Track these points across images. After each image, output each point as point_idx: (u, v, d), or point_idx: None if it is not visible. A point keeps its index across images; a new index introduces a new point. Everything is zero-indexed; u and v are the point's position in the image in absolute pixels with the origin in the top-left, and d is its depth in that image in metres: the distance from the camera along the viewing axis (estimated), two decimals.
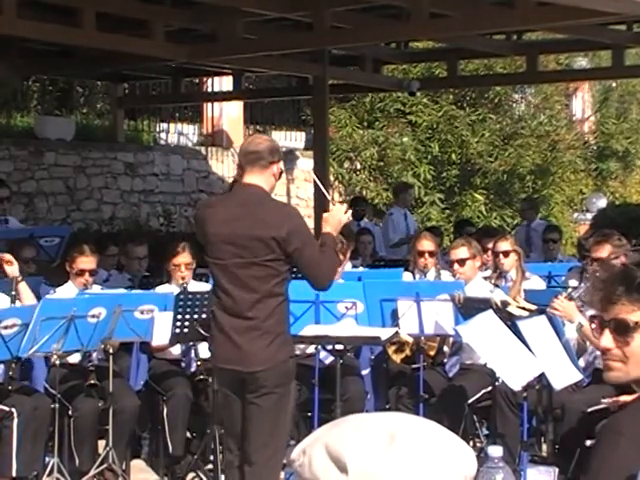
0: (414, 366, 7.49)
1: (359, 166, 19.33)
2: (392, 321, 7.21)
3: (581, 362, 6.57)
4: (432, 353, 7.60)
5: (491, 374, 6.75)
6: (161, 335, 7.11)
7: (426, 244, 8.33)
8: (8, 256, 6.86)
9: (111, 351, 7.01)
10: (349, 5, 10.74)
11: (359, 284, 7.52)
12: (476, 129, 19.25)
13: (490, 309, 6.36)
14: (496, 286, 7.70)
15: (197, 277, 7.98)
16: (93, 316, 6.72)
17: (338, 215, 5.55)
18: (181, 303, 6.94)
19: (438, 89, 18.52)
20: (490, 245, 8.74)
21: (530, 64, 14.13)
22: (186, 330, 6.96)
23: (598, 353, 6.44)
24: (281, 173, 5.50)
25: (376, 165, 19.18)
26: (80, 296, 7.14)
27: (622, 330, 2.62)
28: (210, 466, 7.13)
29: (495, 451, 2.62)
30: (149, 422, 7.69)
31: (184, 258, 7.61)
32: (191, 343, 7.42)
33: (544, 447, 7.04)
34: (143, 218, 16.86)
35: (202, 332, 6.87)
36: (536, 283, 8.33)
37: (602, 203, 21.63)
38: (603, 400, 5.93)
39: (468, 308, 6.71)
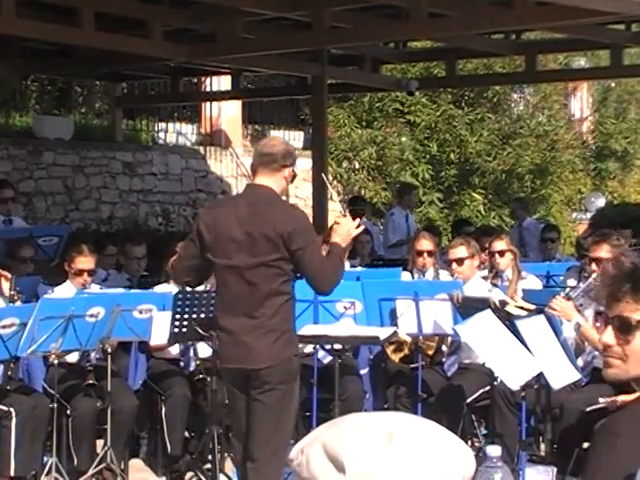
0: (412, 365, 7.49)
1: (358, 166, 19.35)
2: (391, 321, 7.21)
3: (579, 362, 6.57)
4: (430, 353, 7.60)
5: (489, 373, 6.75)
6: (160, 335, 7.11)
7: (425, 244, 8.33)
8: (5, 273, 6.84)
9: (109, 351, 7.01)
10: (348, 5, 10.74)
11: (358, 284, 7.52)
12: (475, 129, 19.26)
13: (488, 308, 6.36)
14: (494, 285, 7.70)
15: None
16: (91, 315, 6.72)
17: (348, 227, 5.56)
18: (180, 303, 6.93)
19: (437, 89, 18.53)
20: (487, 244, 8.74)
21: (529, 64, 14.13)
22: (185, 330, 6.95)
23: (596, 353, 6.44)
24: (294, 177, 5.52)
25: (375, 165, 19.19)
26: (78, 296, 7.14)
27: (624, 328, 2.62)
28: (208, 465, 7.12)
29: (493, 450, 2.62)
30: (147, 422, 7.68)
31: None
32: (190, 342, 7.42)
33: (542, 447, 7.04)
34: (142, 218, 16.86)
35: (201, 332, 6.87)
36: (533, 282, 8.33)
37: (601, 203, 21.64)
38: (601, 400, 5.93)
39: (466, 307, 6.72)
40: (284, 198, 5.76)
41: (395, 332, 6.83)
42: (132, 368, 7.77)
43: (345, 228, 5.56)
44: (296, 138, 20.34)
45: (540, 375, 6.11)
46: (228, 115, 19.07)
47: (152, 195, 17.39)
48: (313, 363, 6.99)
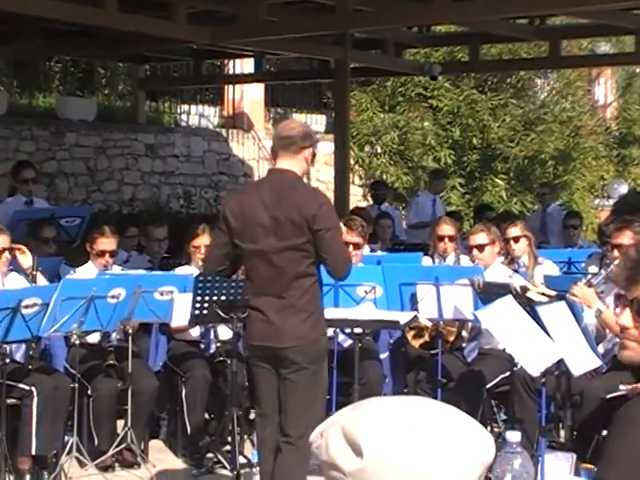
0: (433, 351, 7.49)
1: (379, 150, 19.30)
2: (411, 305, 7.20)
3: (600, 349, 6.55)
4: (451, 338, 7.59)
5: (510, 359, 6.73)
6: (180, 316, 7.12)
7: (446, 229, 8.32)
8: (23, 248, 6.88)
9: (130, 332, 7.05)
10: None
11: (378, 268, 7.52)
12: (498, 114, 19.17)
13: (509, 294, 6.35)
14: (515, 271, 7.68)
15: None
16: (113, 297, 6.75)
17: None
18: (200, 285, 6.94)
19: (460, 73, 18.44)
20: None
21: (553, 49, 14.06)
22: (205, 312, 6.96)
23: (617, 340, 6.42)
24: (314, 157, 5.54)
25: (397, 149, 19.14)
26: (100, 277, 7.17)
27: None
28: (228, 447, 7.16)
29: (513, 436, 2.63)
30: (168, 403, 7.72)
31: (204, 240, 7.61)
32: (210, 325, 7.44)
33: (562, 433, 7.03)
34: (163, 200, 16.90)
35: (221, 314, 6.88)
36: (549, 268, 8.30)
37: (623, 189, 21.53)
38: (621, 387, 5.91)
39: (487, 293, 6.70)
40: (305, 180, 5.77)
41: (415, 317, 6.82)
42: (153, 349, 7.80)
43: None
44: (318, 122, 20.32)
45: (560, 361, 6.09)
46: (250, 98, 19.06)
47: (174, 177, 17.42)
48: (333, 347, 6.99)
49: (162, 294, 7.16)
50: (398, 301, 7.27)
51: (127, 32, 11.23)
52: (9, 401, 6.37)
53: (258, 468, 6.66)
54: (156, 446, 7.64)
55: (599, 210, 20.95)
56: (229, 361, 7.09)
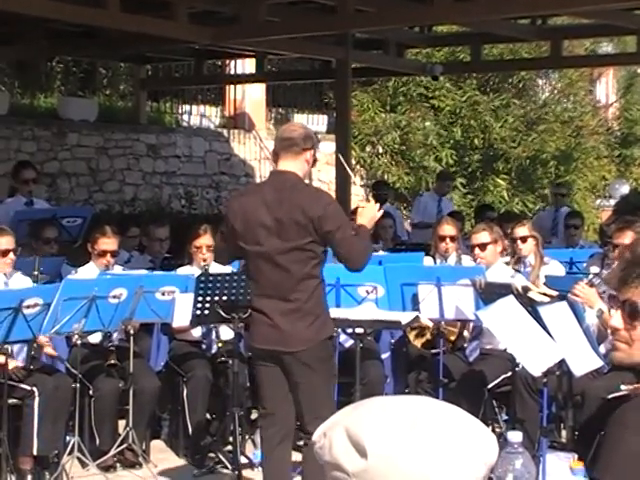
0: (434, 351, 7.49)
1: (381, 150, 19.31)
2: (413, 305, 7.20)
3: (602, 349, 6.54)
4: (452, 338, 7.59)
5: (511, 359, 6.73)
6: (182, 316, 7.13)
7: (447, 229, 8.32)
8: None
9: (132, 332, 7.05)
10: None
11: (380, 268, 7.52)
12: (499, 114, 19.18)
13: (511, 294, 6.35)
14: (516, 271, 7.68)
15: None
16: (114, 297, 6.75)
17: (372, 211, 5.68)
18: (202, 285, 6.94)
19: (461, 73, 18.44)
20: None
21: (554, 49, 14.05)
22: (207, 312, 6.97)
23: None
24: (315, 160, 5.57)
25: (398, 149, 19.15)
26: (101, 277, 7.17)
27: (632, 313, 2.62)
28: (229, 447, 7.16)
29: (515, 436, 2.62)
30: (169, 403, 7.72)
31: (206, 240, 7.62)
32: (212, 325, 7.44)
33: (563, 433, 7.03)
34: (165, 200, 16.90)
35: (223, 314, 6.89)
36: (555, 268, 8.30)
37: (625, 189, 21.52)
38: (623, 387, 5.91)
39: (489, 293, 6.70)
40: (307, 182, 5.79)
41: (417, 317, 6.82)
42: (154, 349, 7.80)
43: (370, 211, 5.67)
44: (320, 122, 20.31)
45: (562, 362, 6.10)
46: (252, 98, 19.06)
47: (175, 177, 17.42)
48: (335, 347, 7.00)
49: (163, 294, 7.16)
50: (400, 301, 7.27)
51: (128, 32, 11.23)
52: (11, 401, 6.37)
53: (260, 468, 6.69)
54: (157, 446, 7.64)
55: (600, 210, 20.95)
56: (230, 361, 7.09)
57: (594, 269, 7.46)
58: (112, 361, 6.99)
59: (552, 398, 6.59)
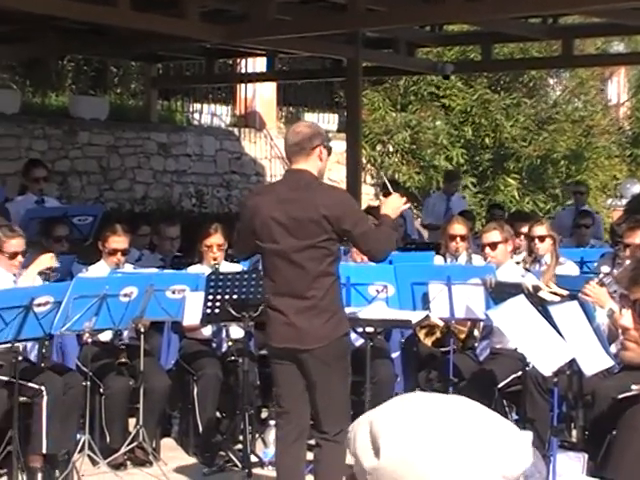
0: (444, 349, 7.48)
1: (392, 149, 19.30)
2: (423, 304, 7.20)
3: (612, 348, 6.53)
4: (462, 337, 7.59)
5: (521, 359, 6.72)
6: (192, 315, 7.14)
7: (457, 228, 8.32)
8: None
9: (142, 330, 7.06)
10: None
11: (390, 267, 7.52)
12: (510, 113, 19.15)
13: (521, 294, 6.34)
14: (528, 270, 7.67)
15: (228, 258, 8.00)
16: (125, 295, 6.76)
17: (396, 202, 5.75)
18: (212, 284, 6.96)
19: (472, 73, 18.42)
20: (522, 229, 8.71)
21: (566, 48, 14.03)
22: (217, 310, 6.98)
23: None
24: (329, 151, 5.57)
25: (409, 148, 19.14)
26: (112, 275, 7.18)
27: None
28: (239, 446, 7.16)
29: (525, 436, 2.62)
30: (179, 401, 7.73)
31: (216, 239, 7.63)
32: (222, 324, 7.44)
33: (574, 433, 7.02)
34: (175, 198, 16.91)
35: (233, 313, 6.89)
36: (570, 268, 8.29)
37: (636, 189, 21.45)
38: (633, 387, 5.90)
39: (499, 292, 6.70)
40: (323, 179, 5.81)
41: (427, 316, 6.83)
42: (164, 348, 7.81)
43: (394, 202, 5.74)
44: (330, 121, 20.31)
45: (572, 361, 6.08)
46: (263, 97, 19.07)
47: (186, 176, 17.43)
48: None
49: (174, 293, 7.17)
50: (410, 300, 7.27)
51: (139, 31, 11.24)
52: (21, 399, 6.37)
53: (270, 466, 6.69)
54: (168, 444, 7.65)
55: (611, 210, 20.89)
56: (240, 360, 7.10)
57: (605, 269, 7.46)
58: (122, 359, 7.00)
59: (562, 398, 6.57)
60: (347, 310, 6.59)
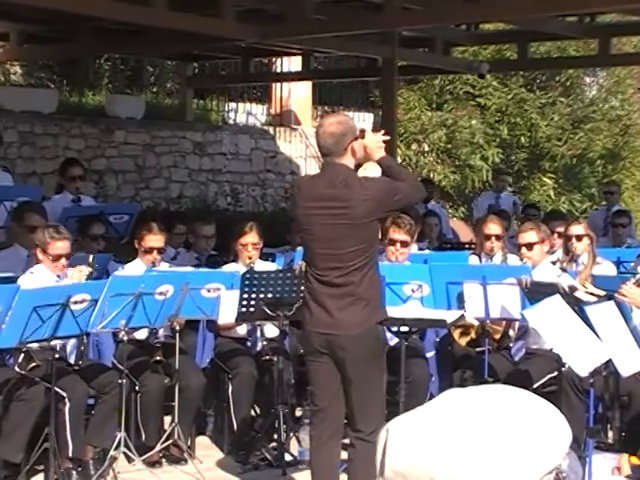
0: (479, 349, 7.46)
1: (427, 148, 19.26)
2: (458, 304, 7.18)
3: None
4: (497, 337, 7.56)
5: (557, 359, 6.68)
6: (227, 313, 7.16)
7: (493, 227, 8.29)
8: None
9: (178, 328, 7.08)
10: None
11: (425, 266, 7.51)
12: (546, 112, 19.06)
13: (557, 294, 6.31)
14: (564, 270, 7.63)
15: (263, 257, 8.01)
16: (160, 293, 6.79)
17: (373, 138, 5.70)
18: (247, 282, 6.98)
19: (508, 71, 18.36)
20: (558, 228, 8.67)
21: (602, 47, 13.95)
22: (252, 309, 7.00)
23: None
24: (362, 132, 5.58)
25: (444, 148, 19.09)
26: (148, 273, 7.21)
27: None
28: (274, 444, 7.18)
29: None
30: (214, 399, 7.75)
31: (251, 238, 7.65)
32: (257, 323, 7.46)
33: (610, 434, 6.98)
34: (211, 197, 16.97)
35: (268, 312, 6.91)
36: (607, 268, 8.24)
37: None
38: None
39: (535, 292, 6.67)
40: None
41: (462, 316, 6.80)
42: (200, 346, 7.83)
43: (372, 140, 5.68)
44: (365, 120, 20.29)
45: (609, 362, 6.05)
46: (298, 96, 19.09)
47: (221, 175, 17.48)
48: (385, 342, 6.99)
49: (209, 291, 7.20)
50: (445, 300, 7.26)
51: (175, 30, 11.28)
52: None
53: (304, 465, 6.70)
54: (202, 442, 7.67)
55: None
56: (275, 358, 7.11)
57: None
58: (158, 358, 7.03)
59: (599, 398, 6.54)
60: None
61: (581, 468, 5.88)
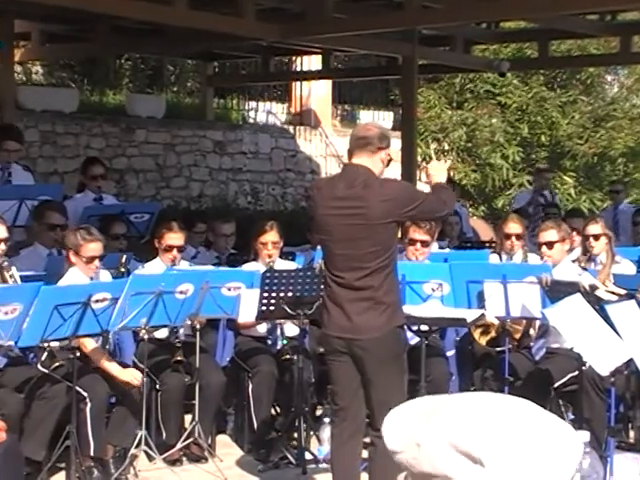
0: (499, 349, 7.45)
1: (447, 147, 19.23)
2: (478, 303, 7.17)
3: None
4: (518, 336, 7.54)
5: (578, 358, 6.67)
6: (247, 312, 7.17)
7: (513, 227, 8.27)
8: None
9: (198, 327, 7.10)
10: None
11: (445, 265, 7.50)
12: (567, 111, 19.01)
13: (578, 293, 6.29)
14: (584, 269, 7.61)
15: (283, 256, 8.02)
16: (181, 292, 6.80)
17: (438, 167, 6.04)
18: (267, 281, 6.98)
19: (529, 70, 18.30)
20: (577, 226, 8.64)
21: (624, 45, 13.89)
22: (272, 308, 7.01)
23: None
24: (389, 160, 5.59)
25: (464, 146, 19.06)
26: (168, 272, 7.23)
27: None
28: (294, 443, 7.18)
29: (582, 436, 2.60)
30: (234, 398, 7.76)
31: (272, 236, 7.66)
32: (277, 321, 7.47)
33: (631, 434, 6.95)
34: (231, 196, 17.00)
35: (288, 310, 6.91)
36: (627, 267, 8.21)
37: None
38: None
39: (555, 291, 6.65)
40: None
41: (482, 315, 6.80)
42: (220, 345, 7.85)
43: (436, 168, 6.05)
44: (385, 118, 20.29)
45: (630, 361, 6.03)
46: (318, 95, 19.09)
47: (242, 174, 17.51)
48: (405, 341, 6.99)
49: (229, 290, 7.21)
50: (465, 299, 7.25)
51: (196, 29, 11.30)
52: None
53: (325, 464, 6.70)
54: (223, 441, 7.69)
55: None
56: (295, 357, 7.12)
57: None
58: (178, 358, 7.05)
59: (620, 398, 6.52)
60: (402, 308, 6.59)
61: (602, 468, 5.87)
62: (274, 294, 6.98)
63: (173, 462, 7.02)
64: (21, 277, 6.69)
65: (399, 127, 16.02)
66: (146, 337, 6.76)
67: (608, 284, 6.89)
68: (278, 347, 7.59)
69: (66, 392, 6.35)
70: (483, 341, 7.74)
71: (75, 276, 6.69)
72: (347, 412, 5.54)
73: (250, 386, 7.38)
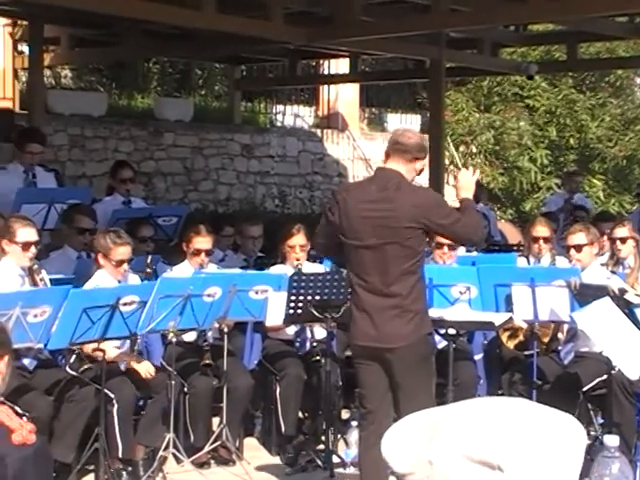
0: (527, 352, 7.42)
1: (475, 150, 19.19)
2: (506, 306, 7.15)
3: None
4: (546, 340, 7.51)
5: (607, 362, 6.64)
6: (275, 315, 7.18)
7: (541, 230, 8.24)
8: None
9: (226, 330, 7.11)
10: None
11: (473, 269, 7.48)
12: (596, 114, 18.92)
13: (607, 296, 6.26)
14: (613, 273, 7.56)
15: (311, 259, 8.02)
16: (209, 295, 6.82)
17: (467, 178, 5.73)
18: (295, 284, 6.98)
19: (557, 72, 18.23)
20: (606, 230, 8.59)
21: None
22: (300, 311, 7.01)
23: None
24: (421, 170, 5.58)
25: (492, 149, 19.01)
26: (196, 275, 7.25)
27: None
28: (322, 446, 7.18)
29: (611, 440, 2.60)
30: (262, 401, 7.77)
31: (299, 240, 7.66)
32: (305, 324, 7.47)
33: None
34: (258, 199, 17.02)
35: (316, 313, 6.91)
36: None
37: None
38: None
39: (584, 295, 6.62)
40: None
41: (510, 318, 6.77)
42: (248, 348, 7.86)
43: (465, 179, 5.72)
44: (413, 122, 20.27)
45: None
46: (345, 98, 19.09)
47: (269, 177, 17.53)
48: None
49: (257, 293, 7.22)
50: (493, 302, 7.23)
51: (224, 33, 11.33)
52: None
53: (352, 467, 6.70)
54: (250, 444, 7.70)
55: None
56: (323, 360, 7.11)
57: None
58: (207, 361, 7.07)
59: None
60: (430, 312, 6.58)
61: (632, 472, 5.83)
62: (302, 297, 6.98)
63: (201, 465, 7.04)
64: (50, 280, 6.73)
65: (427, 130, 16.00)
66: (174, 340, 6.78)
67: (637, 287, 6.84)
68: (306, 349, 7.59)
69: (94, 395, 6.38)
70: (511, 345, 7.71)
71: (103, 279, 6.72)
72: (375, 415, 5.54)
73: (278, 389, 7.39)
